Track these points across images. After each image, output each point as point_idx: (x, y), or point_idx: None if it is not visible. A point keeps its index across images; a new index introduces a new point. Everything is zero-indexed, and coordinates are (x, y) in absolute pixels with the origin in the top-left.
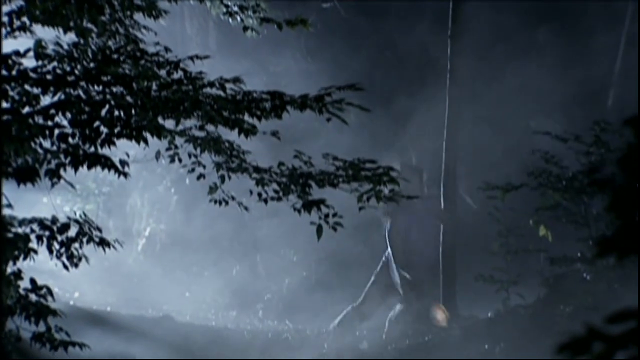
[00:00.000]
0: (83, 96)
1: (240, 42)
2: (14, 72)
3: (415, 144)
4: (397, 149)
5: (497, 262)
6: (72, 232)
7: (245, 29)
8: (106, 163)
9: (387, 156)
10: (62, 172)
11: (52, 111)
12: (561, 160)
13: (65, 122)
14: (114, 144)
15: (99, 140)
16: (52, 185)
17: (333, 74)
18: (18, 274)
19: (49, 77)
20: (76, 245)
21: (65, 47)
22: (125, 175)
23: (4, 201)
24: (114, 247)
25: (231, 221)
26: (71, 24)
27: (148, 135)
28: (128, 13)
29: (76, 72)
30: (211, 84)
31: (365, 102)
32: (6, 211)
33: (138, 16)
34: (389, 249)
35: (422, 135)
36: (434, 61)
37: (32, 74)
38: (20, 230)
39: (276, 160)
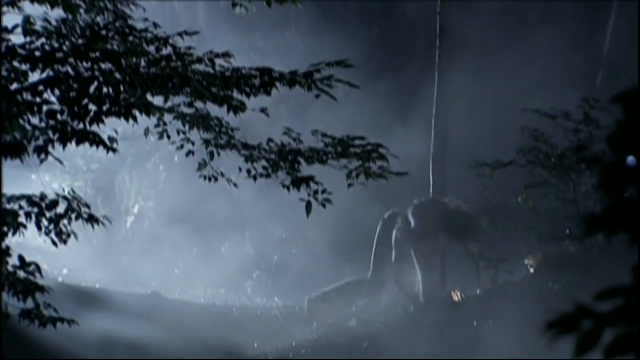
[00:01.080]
0: (71, 73)
1: (229, 20)
2: (2, 49)
3: (405, 122)
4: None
5: (485, 240)
6: (61, 208)
7: (234, 5)
8: (94, 139)
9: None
10: (50, 148)
11: (41, 88)
12: (550, 138)
13: (53, 99)
14: (102, 121)
15: (88, 118)
16: (41, 162)
17: (322, 52)
18: (6, 251)
19: (37, 53)
20: (65, 221)
21: (54, 23)
22: (114, 151)
23: None
24: (102, 224)
25: (220, 199)
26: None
27: (137, 113)
28: None
29: (64, 48)
30: (200, 60)
31: (354, 80)
32: None
33: None
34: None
35: (411, 113)
36: (423, 40)
37: (20, 51)
38: (8, 206)
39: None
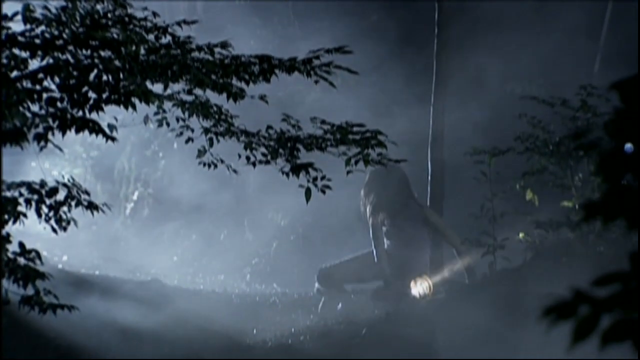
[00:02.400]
0: (71, 60)
1: (227, 7)
2: (2, 37)
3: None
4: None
5: (483, 227)
6: (61, 195)
7: None
8: (94, 128)
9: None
10: (50, 136)
11: (41, 75)
12: (548, 125)
13: (53, 87)
14: (102, 109)
15: (88, 106)
16: (41, 149)
17: (321, 39)
18: (7, 238)
19: (37, 41)
20: (65, 208)
21: (54, 11)
22: (113, 139)
23: None
24: (102, 210)
25: (219, 186)
26: None
27: (136, 101)
28: None
29: (64, 36)
30: (199, 48)
31: (353, 66)
32: None
33: None
34: None
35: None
36: (421, 28)
37: (20, 38)
38: (8, 194)
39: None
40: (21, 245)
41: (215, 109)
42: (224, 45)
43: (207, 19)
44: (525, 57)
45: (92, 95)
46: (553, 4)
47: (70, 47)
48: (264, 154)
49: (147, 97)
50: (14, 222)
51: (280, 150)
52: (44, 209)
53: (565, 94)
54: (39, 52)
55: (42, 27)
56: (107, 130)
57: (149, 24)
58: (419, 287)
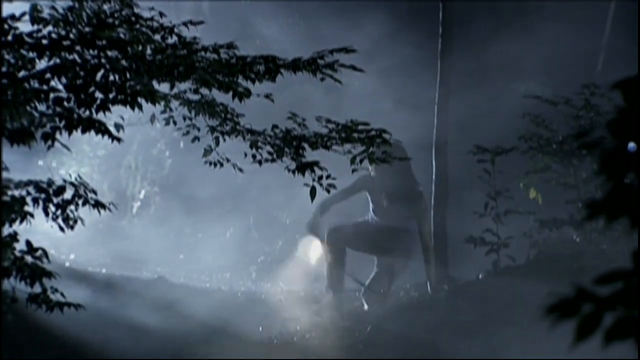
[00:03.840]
0: (78, 60)
1: (233, 7)
2: (9, 37)
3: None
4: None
5: (487, 225)
6: (68, 194)
7: None
8: (100, 128)
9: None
10: (57, 135)
11: (48, 75)
12: (551, 124)
13: (60, 87)
14: (109, 109)
15: (94, 105)
16: (48, 148)
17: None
18: (14, 237)
19: (44, 41)
20: (72, 207)
21: (61, 11)
22: (119, 140)
23: None
24: (109, 209)
25: (225, 184)
26: None
27: (142, 101)
28: None
29: (71, 36)
30: (205, 49)
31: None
32: (2, 174)
33: None
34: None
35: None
36: (426, 27)
37: (27, 39)
38: (16, 193)
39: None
40: (28, 243)
41: (221, 107)
42: (230, 46)
43: (212, 18)
44: (528, 56)
45: (98, 95)
46: (556, 3)
47: (77, 47)
48: (269, 153)
49: (154, 97)
50: (21, 220)
51: (286, 149)
52: (51, 208)
53: (568, 93)
54: (46, 52)
55: (50, 28)
56: (113, 129)
57: (155, 24)
58: (309, 250)
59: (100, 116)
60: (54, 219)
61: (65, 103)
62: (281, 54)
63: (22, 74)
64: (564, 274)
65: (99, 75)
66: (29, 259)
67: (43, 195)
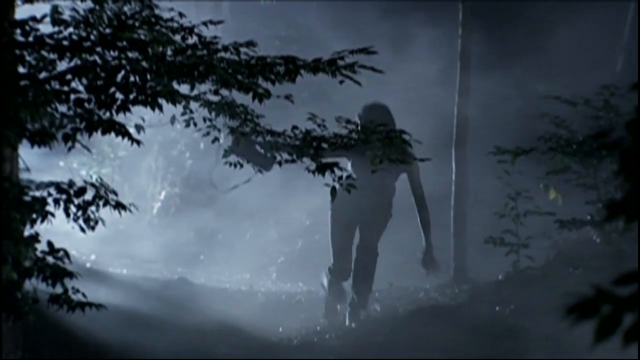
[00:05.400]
0: (99, 61)
1: (253, 7)
2: (30, 38)
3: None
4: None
5: (507, 225)
6: (89, 195)
7: None
8: (120, 130)
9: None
10: (78, 136)
11: (69, 76)
12: (571, 125)
13: (81, 88)
14: (129, 110)
15: (115, 106)
16: (69, 149)
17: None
18: (35, 237)
19: (65, 42)
20: (92, 208)
21: (82, 12)
22: (139, 143)
23: (21, 165)
24: (129, 210)
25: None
26: None
27: (163, 102)
28: None
29: (92, 37)
30: (225, 48)
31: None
32: (23, 175)
33: None
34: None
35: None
36: (444, 25)
37: (48, 40)
38: (37, 193)
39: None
40: (50, 244)
41: (241, 109)
42: (250, 44)
43: (233, 19)
44: (548, 57)
45: (119, 96)
46: (576, 4)
47: (98, 49)
48: (289, 153)
49: (174, 97)
50: (42, 221)
51: (306, 150)
52: (72, 209)
53: (587, 94)
54: (67, 54)
55: (70, 29)
56: (133, 131)
57: (175, 25)
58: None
59: (121, 117)
60: (75, 220)
61: (86, 104)
62: (300, 54)
63: (43, 75)
64: (583, 275)
65: (119, 76)
66: (50, 259)
67: (64, 196)
